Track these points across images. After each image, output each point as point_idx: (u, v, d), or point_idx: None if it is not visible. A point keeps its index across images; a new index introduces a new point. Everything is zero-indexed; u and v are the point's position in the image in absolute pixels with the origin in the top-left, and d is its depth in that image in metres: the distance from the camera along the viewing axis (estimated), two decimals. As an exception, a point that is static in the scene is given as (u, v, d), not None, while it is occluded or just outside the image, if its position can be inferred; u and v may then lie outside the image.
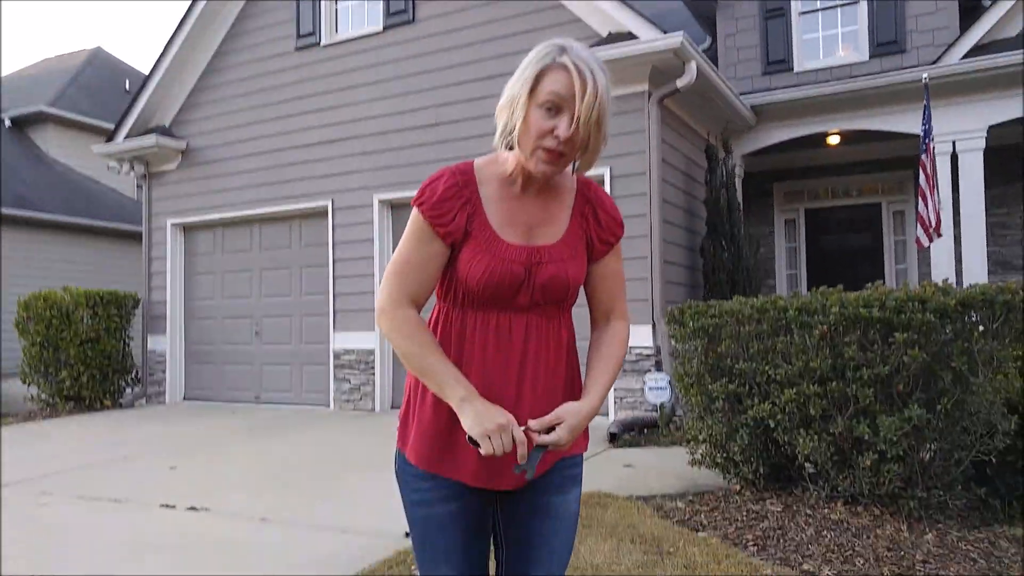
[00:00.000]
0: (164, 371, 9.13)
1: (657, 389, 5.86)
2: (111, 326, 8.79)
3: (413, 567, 2.95)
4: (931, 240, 6.39)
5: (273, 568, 3.15)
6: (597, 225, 1.53)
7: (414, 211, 1.46)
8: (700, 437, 4.03)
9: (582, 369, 1.57)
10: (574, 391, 1.54)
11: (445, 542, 1.48)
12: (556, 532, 1.52)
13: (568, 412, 1.40)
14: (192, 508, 4.04)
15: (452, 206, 1.43)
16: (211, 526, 3.78)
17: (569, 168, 1.49)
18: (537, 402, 1.46)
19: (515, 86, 1.41)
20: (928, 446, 3.28)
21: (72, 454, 5.80)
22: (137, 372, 9.25)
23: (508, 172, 1.48)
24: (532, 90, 1.38)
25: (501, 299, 1.44)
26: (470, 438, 1.35)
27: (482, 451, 1.34)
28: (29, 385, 8.73)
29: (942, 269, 7.06)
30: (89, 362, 8.49)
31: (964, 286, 3.46)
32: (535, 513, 1.52)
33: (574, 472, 1.55)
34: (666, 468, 4.69)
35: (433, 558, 1.50)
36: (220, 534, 3.64)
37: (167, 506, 4.11)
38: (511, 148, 1.46)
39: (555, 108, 1.37)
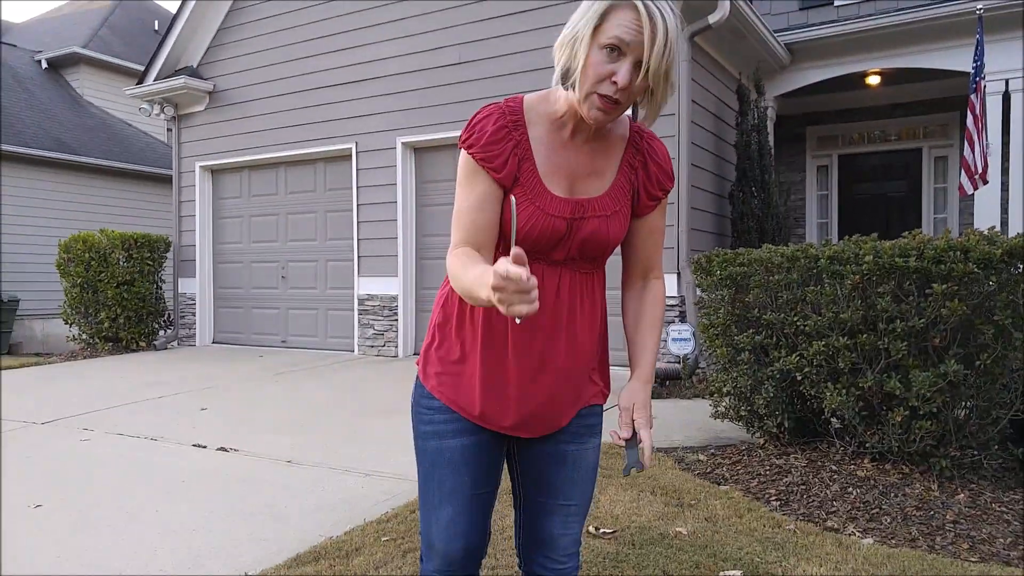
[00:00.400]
0: (194, 314, 9.27)
1: (681, 340, 5.77)
2: (145, 269, 8.99)
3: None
4: (976, 187, 6.06)
5: (300, 508, 3.21)
6: (646, 177, 1.44)
7: (463, 154, 1.38)
8: (724, 389, 3.95)
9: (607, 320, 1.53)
10: (603, 345, 1.53)
11: (453, 478, 1.45)
12: (574, 480, 1.51)
13: (635, 398, 1.43)
14: (222, 449, 4.16)
15: (503, 149, 1.35)
16: (240, 466, 3.87)
17: (627, 114, 1.40)
18: (575, 358, 1.43)
19: (579, 22, 1.29)
20: (964, 403, 3.15)
21: (111, 394, 5.98)
22: (169, 315, 9.44)
23: (559, 114, 1.39)
24: (596, 28, 1.26)
25: (536, 251, 1.38)
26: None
27: (518, 321, 1.14)
28: (71, 325, 9.06)
29: (986, 219, 6.74)
30: (125, 304, 8.73)
31: (1010, 236, 3.27)
32: (552, 461, 1.50)
33: (592, 422, 1.52)
34: (688, 420, 4.65)
35: (437, 495, 1.47)
36: (249, 474, 3.73)
37: (198, 446, 4.23)
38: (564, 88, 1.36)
39: (617, 51, 1.26)
